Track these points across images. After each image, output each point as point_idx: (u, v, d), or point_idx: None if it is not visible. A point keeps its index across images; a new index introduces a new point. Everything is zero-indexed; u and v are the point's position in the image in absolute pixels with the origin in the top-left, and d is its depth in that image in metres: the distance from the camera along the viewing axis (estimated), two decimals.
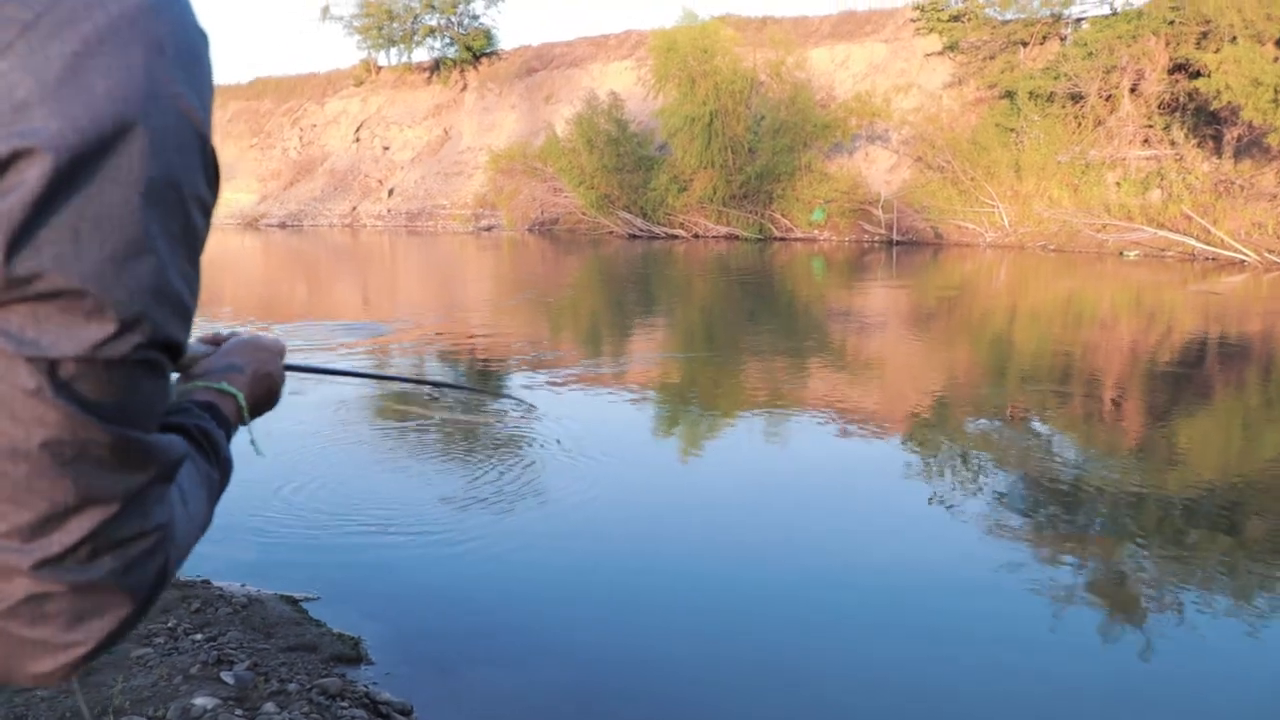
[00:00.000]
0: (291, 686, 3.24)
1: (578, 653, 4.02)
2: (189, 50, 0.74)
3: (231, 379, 1.09)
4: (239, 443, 1.06)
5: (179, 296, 0.74)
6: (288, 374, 1.24)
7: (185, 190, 0.73)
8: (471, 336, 12.95)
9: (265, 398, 1.17)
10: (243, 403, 1.08)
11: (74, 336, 0.67)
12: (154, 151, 0.69)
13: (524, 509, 5.64)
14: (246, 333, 1.22)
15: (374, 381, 9.65)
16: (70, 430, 0.67)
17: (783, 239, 28.59)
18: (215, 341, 1.18)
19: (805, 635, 4.18)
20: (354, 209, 42.28)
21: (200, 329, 0.98)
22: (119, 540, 0.73)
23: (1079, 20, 28.01)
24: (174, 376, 1.06)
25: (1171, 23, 23.66)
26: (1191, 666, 3.95)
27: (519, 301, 17.35)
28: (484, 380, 9.85)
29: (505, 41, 45.84)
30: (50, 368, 0.66)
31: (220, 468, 0.96)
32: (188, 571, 4.55)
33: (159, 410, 0.77)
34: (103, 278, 0.67)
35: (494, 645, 4.02)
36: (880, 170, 29.49)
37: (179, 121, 0.71)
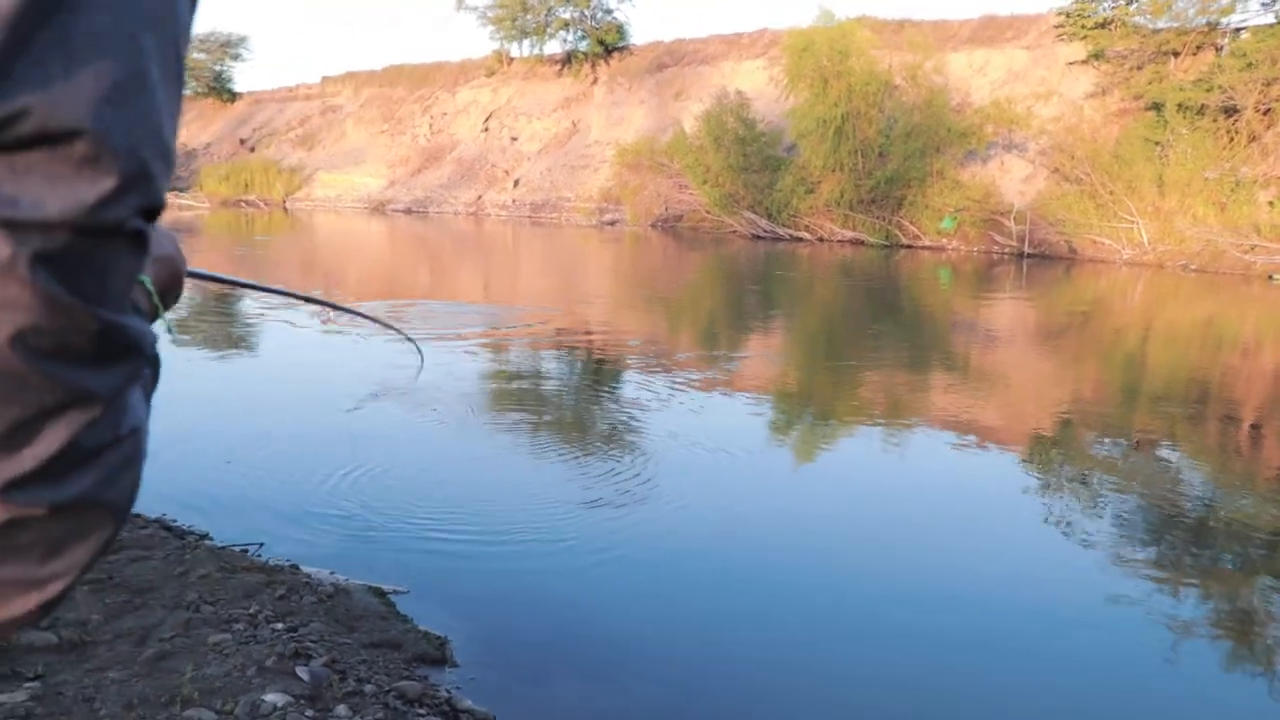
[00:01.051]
0: (368, 688, 3.08)
1: (675, 672, 3.78)
2: None
3: None
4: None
5: (171, 148, 0.58)
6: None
7: (181, 19, 0.57)
8: (589, 329, 12.84)
9: (171, 283, 1.00)
10: (151, 287, 0.91)
11: (64, 194, 0.51)
12: None
13: (630, 512, 5.44)
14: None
15: (494, 367, 9.57)
16: (50, 316, 0.51)
17: (909, 246, 27.87)
18: None
19: (905, 656, 3.88)
20: (479, 198, 42.80)
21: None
22: (98, 448, 0.57)
23: (1238, 29, 26.53)
24: None
25: None
26: None
27: (639, 296, 17.21)
28: (599, 370, 9.73)
29: (637, 36, 46.08)
30: (30, 235, 0.50)
31: (151, 364, 0.80)
32: (276, 554, 4.46)
33: (132, 292, 0.61)
34: (102, 117, 0.51)
35: (587, 656, 3.82)
36: (1014, 180, 28.50)
37: None
